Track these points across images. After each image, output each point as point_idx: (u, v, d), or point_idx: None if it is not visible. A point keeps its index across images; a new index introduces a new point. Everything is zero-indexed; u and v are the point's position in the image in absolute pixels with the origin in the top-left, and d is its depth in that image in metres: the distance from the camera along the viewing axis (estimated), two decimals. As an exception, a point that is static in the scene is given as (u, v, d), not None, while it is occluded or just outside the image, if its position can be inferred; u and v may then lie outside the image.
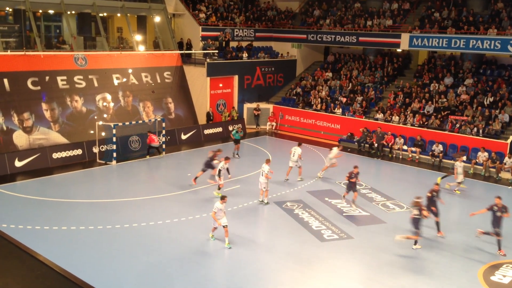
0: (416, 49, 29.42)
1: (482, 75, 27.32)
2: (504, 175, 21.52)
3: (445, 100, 26.11)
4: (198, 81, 29.20)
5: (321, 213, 16.89)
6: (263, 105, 31.01)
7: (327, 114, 28.59)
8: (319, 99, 29.75)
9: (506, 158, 21.57)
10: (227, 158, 18.19)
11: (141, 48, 28.17)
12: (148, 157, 23.21)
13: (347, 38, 31.05)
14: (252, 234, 15.06)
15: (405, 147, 24.74)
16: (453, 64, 28.80)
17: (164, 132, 24.04)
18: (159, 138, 23.48)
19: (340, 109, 28.48)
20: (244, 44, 32.27)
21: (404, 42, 28.49)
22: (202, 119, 29.01)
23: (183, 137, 26.32)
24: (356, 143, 26.40)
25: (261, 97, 31.93)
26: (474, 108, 24.84)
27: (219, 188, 18.14)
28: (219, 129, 28.09)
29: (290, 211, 17.05)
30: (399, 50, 30.42)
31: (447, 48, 27.26)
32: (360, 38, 30.56)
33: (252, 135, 29.01)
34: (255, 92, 31.90)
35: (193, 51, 29.65)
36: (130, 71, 26.52)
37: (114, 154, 22.08)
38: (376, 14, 31.43)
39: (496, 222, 14.06)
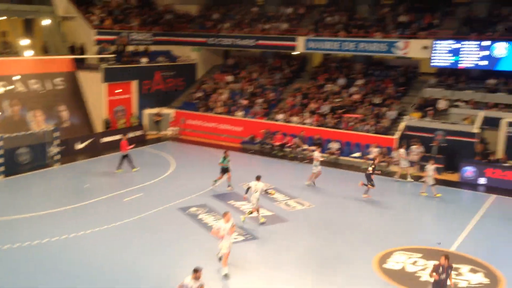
0: (311, 52, 30.60)
1: (372, 75, 29.11)
2: (393, 168, 23.07)
3: (339, 99, 27.45)
4: (94, 87, 27.86)
5: (225, 216, 16.88)
6: (164, 110, 30.42)
7: (229, 117, 28.77)
8: (220, 103, 29.82)
9: (394, 152, 23.17)
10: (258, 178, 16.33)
11: (29, 53, 26.31)
12: (119, 171, 21.69)
13: (246, 41, 31.49)
14: (157, 242, 14.63)
15: (305, 147, 25.56)
16: (345, 65, 30.37)
17: (57, 142, 22.62)
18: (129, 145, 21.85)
19: (242, 112, 28.79)
20: (141, 48, 31.46)
21: (300, 45, 29.51)
22: (99, 127, 27.75)
23: (79, 146, 24.99)
24: (258, 145, 26.85)
25: (161, 102, 31.28)
26: (366, 107, 26.36)
27: (250, 213, 16.36)
28: (118, 137, 26.96)
29: (194, 216, 16.85)
30: (295, 53, 31.42)
31: (339, 51, 28.71)
32: (259, 42, 31.13)
33: (154, 141, 28.35)
34: (155, 97, 31.19)
35: (86, 56, 28.27)
36: (16, 78, 24.63)
37: (1, 168, 20.36)
38: (273, 18, 32.23)
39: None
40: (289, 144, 25.83)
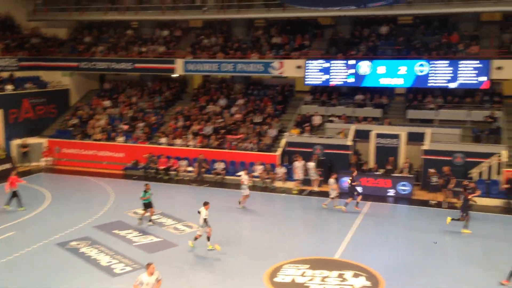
0: (190, 74, 30.64)
1: (251, 95, 29.92)
2: (277, 183, 23.79)
3: (221, 120, 27.73)
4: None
5: (111, 247, 15.94)
6: (35, 140, 28.20)
7: (109, 143, 27.56)
8: (98, 129, 28.45)
9: (278, 168, 23.92)
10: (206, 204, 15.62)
11: None
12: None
13: (123, 65, 30.61)
14: (35, 284, 13.28)
15: (190, 168, 25.33)
16: (225, 86, 30.87)
17: None
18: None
19: (123, 137, 27.73)
20: (5, 74, 28.97)
21: (179, 68, 29.40)
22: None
23: None
24: (142, 170, 26.03)
25: (32, 131, 28.98)
26: (247, 126, 26.94)
27: (208, 239, 15.72)
28: (-17, 172, 24.45)
29: (75, 250, 15.65)
30: (174, 75, 31.23)
31: (218, 72, 29.14)
32: (136, 65, 30.43)
33: (25, 174, 26.01)
34: (25, 126, 28.80)
35: None
36: None
37: None
38: (149, 40, 31.76)
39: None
40: (174, 167, 25.44)
